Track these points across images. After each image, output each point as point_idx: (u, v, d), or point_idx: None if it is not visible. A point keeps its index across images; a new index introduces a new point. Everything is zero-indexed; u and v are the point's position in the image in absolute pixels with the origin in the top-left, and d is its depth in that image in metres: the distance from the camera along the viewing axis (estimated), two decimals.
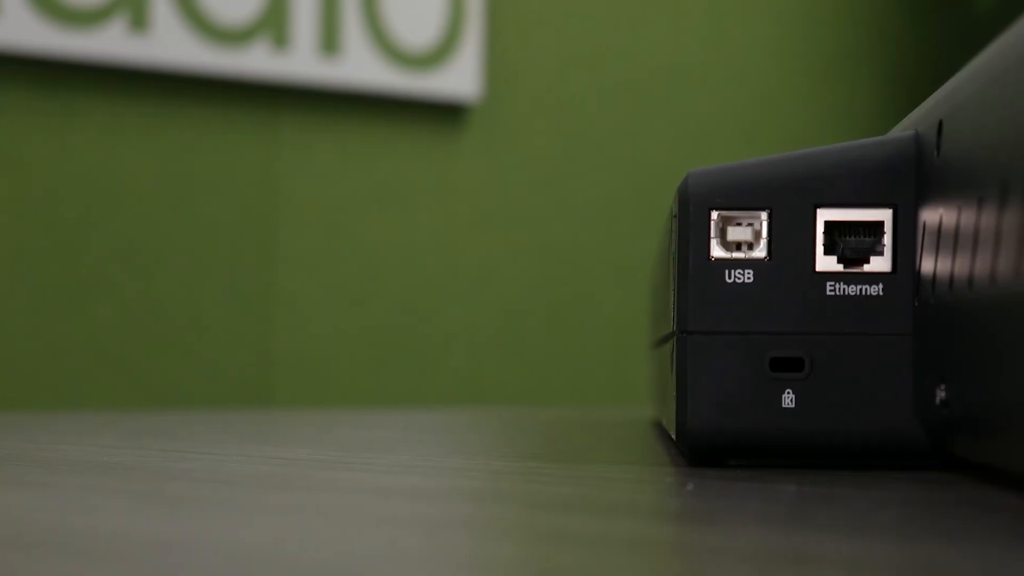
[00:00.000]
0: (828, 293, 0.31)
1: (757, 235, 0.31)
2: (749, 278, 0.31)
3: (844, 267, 0.31)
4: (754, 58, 1.53)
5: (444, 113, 1.35)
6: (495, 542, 0.19)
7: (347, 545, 0.18)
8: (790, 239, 0.31)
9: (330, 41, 1.27)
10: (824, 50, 1.57)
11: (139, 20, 1.20)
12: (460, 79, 1.33)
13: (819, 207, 0.31)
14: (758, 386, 0.31)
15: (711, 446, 0.31)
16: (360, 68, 1.29)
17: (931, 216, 0.29)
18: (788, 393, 0.31)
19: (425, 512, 0.22)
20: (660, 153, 1.46)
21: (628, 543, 0.19)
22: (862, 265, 0.30)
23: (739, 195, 0.31)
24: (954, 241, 0.27)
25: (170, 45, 1.21)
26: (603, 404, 1.35)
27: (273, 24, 1.25)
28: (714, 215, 0.31)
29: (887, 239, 0.30)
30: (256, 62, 1.24)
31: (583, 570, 0.16)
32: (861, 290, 0.30)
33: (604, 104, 1.44)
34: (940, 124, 0.28)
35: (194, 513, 0.22)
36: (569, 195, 1.42)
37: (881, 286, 0.30)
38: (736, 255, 0.31)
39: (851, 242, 0.30)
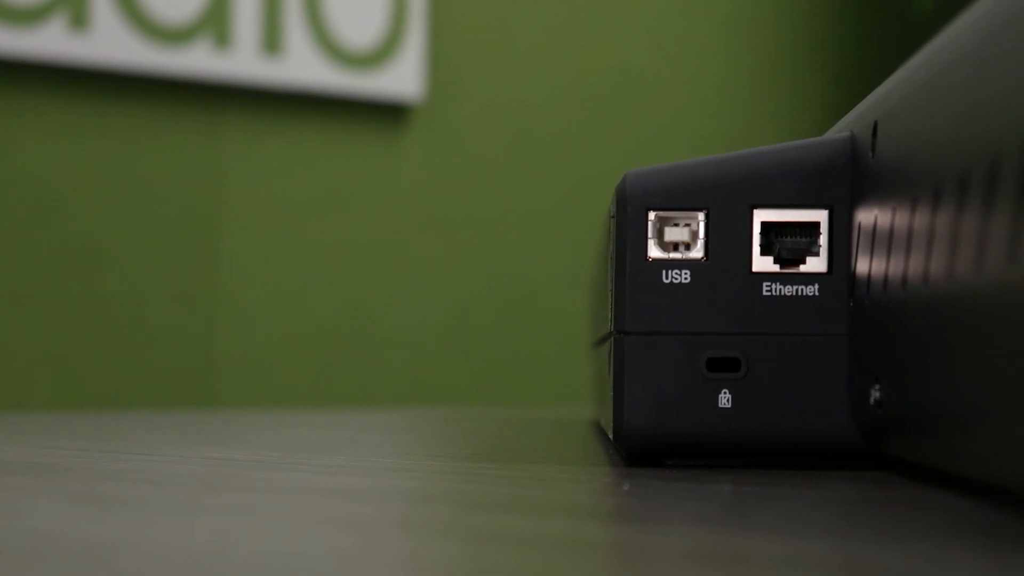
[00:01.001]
0: (764, 293, 0.31)
1: (694, 235, 0.31)
2: (686, 278, 0.31)
3: (780, 267, 0.31)
4: (698, 59, 1.53)
5: (387, 113, 1.35)
6: (429, 542, 0.19)
7: (282, 546, 0.18)
8: (727, 240, 0.31)
9: (272, 41, 1.27)
10: (767, 51, 1.57)
11: (79, 19, 1.19)
12: (403, 79, 1.33)
13: (756, 208, 0.31)
14: (695, 386, 0.31)
15: (648, 446, 0.31)
16: (302, 68, 1.28)
17: (866, 217, 0.29)
18: (725, 393, 0.31)
19: (361, 512, 0.22)
20: (605, 153, 1.46)
21: (562, 543, 0.19)
22: (798, 265, 0.31)
23: (676, 196, 0.31)
24: (888, 242, 0.27)
25: (111, 44, 1.20)
26: (548, 404, 1.35)
27: (214, 23, 1.24)
28: (651, 215, 0.31)
29: (823, 240, 0.31)
30: (197, 62, 1.24)
31: (517, 570, 0.16)
32: (797, 290, 0.31)
33: (548, 104, 1.44)
34: (875, 125, 0.29)
35: (128, 514, 0.22)
36: (514, 195, 1.42)
37: (817, 286, 0.31)
38: (673, 255, 0.31)
39: (787, 243, 0.31)
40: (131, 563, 0.17)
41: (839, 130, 0.32)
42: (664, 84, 1.51)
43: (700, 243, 0.31)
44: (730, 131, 1.54)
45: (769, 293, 0.31)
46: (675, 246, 0.31)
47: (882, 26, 1.62)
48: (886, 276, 0.27)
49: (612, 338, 0.32)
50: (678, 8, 1.52)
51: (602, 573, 0.16)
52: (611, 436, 0.32)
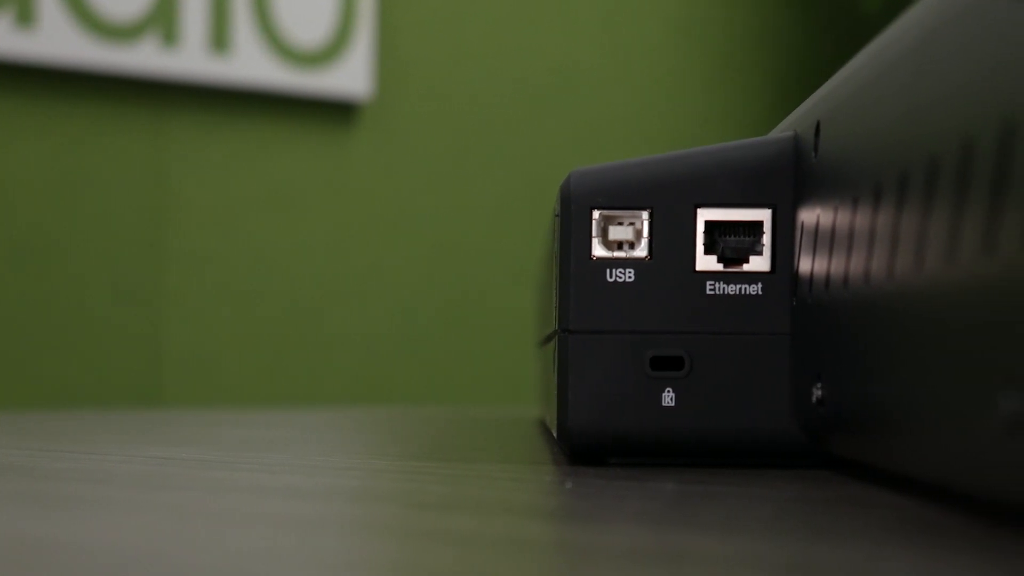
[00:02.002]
0: (708, 292, 0.31)
1: (638, 234, 0.31)
2: (630, 277, 0.31)
3: (724, 266, 0.31)
4: (646, 58, 1.54)
5: (335, 111, 1.35)
6: (370, 541, 0.19)
7: (221, 545, 0.18)
8: (671, 238, 0.31)
9: (219, 38, 1.26)
10: (715, 50, 1.58)
11: (25, 15, 1.18)
12: (351, 77, 1.33)
13: (699, 207, 0.31)
14: (638, 385, 0.31)
15: (591, 444, 0.31)
16: (250, 66, 1.28)
17: (809, 216, 0.29)
18: (668, 392, 0.31)
19: (301, 511, 0.22)
20: (553, 152, 1.46)
21: (503, 542, 0.19)
22: (741, 265, 0.31)
23: (620, 194, 0.31)
24: (830, 241, 0.27)
25: (57, 41, 1.20)
26: (496, 403, 1.35)
27: (162, 21, 1.24)
28: (595, 214, 0.31)
29: (766, 239, 0.31)
30: (145, 59, 1.23)
31: (456, 569, 0.16)
32: (740, 289, 0.31)
33: (497, 103, 1.44)
34: (818, 125, 0.29)
35: (68, 513, 0.22)
36: (462, 193, 1.42)
37: (760, 285, 0.31)
38: (617, 254, 0.31)
39: (731, 242, 0.31)
40: (69, 562, 0.17)
41: (783, 129, 0.32)
42: (612, 83, 1.51)
43: (644, 242, 0.31)
44: (678, 130, 1.54)
45: (712, 292, 0.31)
46: (619, 245, 0.31)
47: (830, 25, 1.63)
48: (828, 275, 0.27)
49: (556, 337, 0.32)
50: (626, 7, 1.52)
51: (542, 571, 0.16)
52: (555, 434, 0.32)
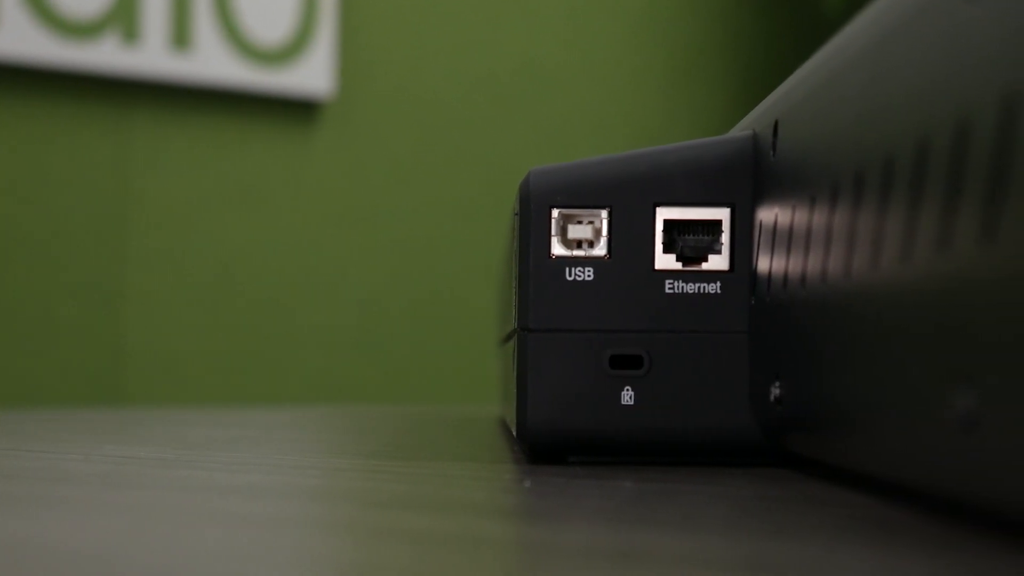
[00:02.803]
0: (667, 291, 0.31)
1: (597, 233, 0.31)
2: (589, 276, 0.31)
3: (683, 265, 0.31)
4: (610, 57, 1.54)
5: (297, 109, 1.34)
6: (325, 540, 0.19)
7: (177, 543, 0.18)
8: (630, 237, 0.31)
9: (181, 36, 1.26)
10: (678, 49, 1.58)
11: None
12: (313, 74, 1.33)
13: (658, 206, 0.31)
14: (597, 383, 0.31)
15: (551, 443, 0.31)
16: (212, 63, 1.28)
17: (767, 215, 0.29)
18: (627, 390, 0.31)
19: (259, 510, 0.22)
20: (516, 150, 1.47)
21: (459, 540, 0.19)
22: (700, 263, 0.31)
23: (580, 193, 0.31)
24: (788, 240, 0.27)
25: (17, 38, 1.19)
26: (460, 402, 1.35)
27: (122, 18, 1.23)
28: (555, 213, 0.31)
29: (725, 238, 0.31)
30: (105, 56, 1.23)
31: (412, 567, 0.16)
32: (699, 288, 0.31)
33: (460, 101, 1.44)
34: (776, 124, 0.29)
35: (25, 513, 0.22)
36: (424, 192, 1.42)
37: (719, 284, 0.31)
38: (576, 253, 0.31)
39: (690, 240, 0.31)
40: (23, 562, 0.17)
41: (742, 128, 0.32)
42: (575, 81, 1.51)
43: (603, 241, 0.31)
44: (641, 129, 1.54)
45: (672, 291, 0.31)
46: (578, 244, 0.31)
47: (793, 25, 1.63)
48: (786, 274, 0.27)
49: (516, 335, 0.32)
50: (590, 5, 1.53)
51: (498, 570, 0.16)
52: (515, 433, 0.32)
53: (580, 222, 0.31)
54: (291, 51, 1.32)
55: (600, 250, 0.31)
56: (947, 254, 0.18)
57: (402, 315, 1.41)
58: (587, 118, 1.52)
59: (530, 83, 1.48)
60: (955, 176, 0.18)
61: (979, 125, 0.17)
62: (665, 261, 0.31)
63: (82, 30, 1.22)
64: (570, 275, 0.31)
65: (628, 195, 0.31)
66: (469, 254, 1.43)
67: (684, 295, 0.31)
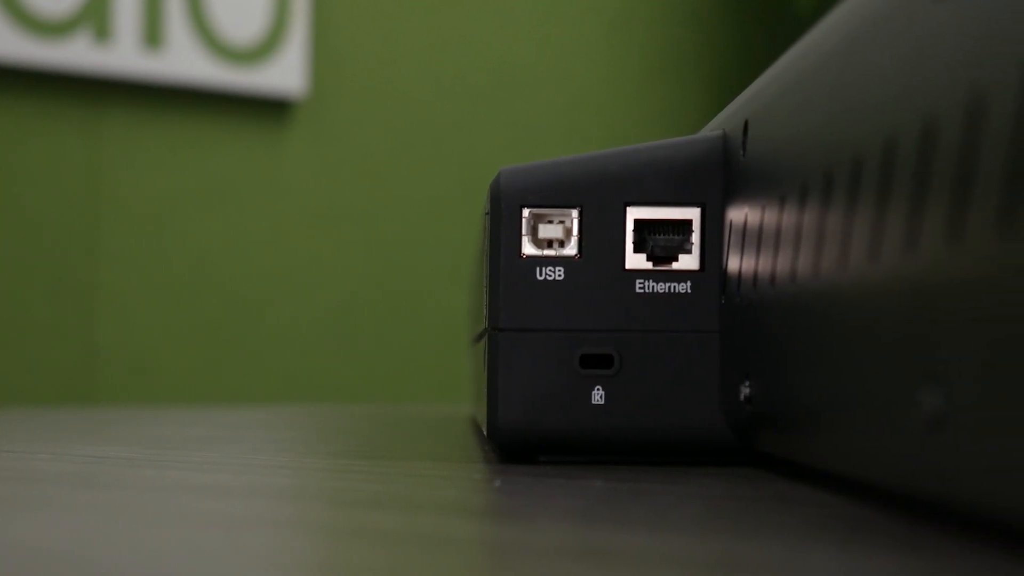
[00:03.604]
0: (637, 291, 0.31)
1: (568, 233, 0.31)
2: (560, 275, 0.31)
3: (653, 265, 0.31)
4: (582, 57, 1.54)
5: (270, 108, 1.34)
6: (294, 539, 0.19)
7: (144, 543, 0.18)
8: (600, 237, 0.31)
9: (153, 35, 1.26)
10: (652, 50, 1.58)
11: None
12: (285, 73, 1.32)
13: (629, 205, 0.31)
14: (568, 383, 0.31)
15: (521, 443, 0.31)
16: (184, 62, 1.27)
17: (737, 215, 0.29)
18: (598, 390, 0.31)
19: (228, 510, 0.22)
20: (489, 150, 1.46)
21: (428, 540, 0.19)
22: (671, 263, 0.31)
23: (550, 193, 0.31)
24: (758, 240, 0.27)
25: None
26: (433, 401, 1.35)
27: (94, 16, 1.23)
28: (525, 212, 0.31)
29: (695, 237, 0.31)
30: (77, 55, 1.22)
31: (380, 567, 0.16)
32: (670, 288, 0.31)
33: (433, 100, 1.44)
34: (746, 124, 0.29)
35: None
36: (397, 191, 1.42)
37: (689, 284, 0.31)
38: (547, 252, 0.31)
39: (660, 240, 0.31)
40: None
41: (713, 128, 0.32)
42: (548, 81, 1.51)
43: (574, 240, 0.31)
44: (614, 129, 1.54)
45: (642, 290, 0.31)
46: (549, 243, 0.31)
47: (765, 25, 1.64)
48: (756, 274, 0.27)
49: (487, 335, 0.32)
50: (563, 6, 1.53)
51: (466, 569, 0.16)
52: (485, 433, 0.32)
53: (551, 222, 0.31)
54: (263, 50, 1.31)
55: (571, 250, 0.31)
56: (914, 254, 0.18)
57: (375, 314, 1.40)
58: (560, 118, 1.52)
59: (503, 83, 1.48)
60: (922, 177, 0.18)
61: (946, 125, 0.18)
62: (636, 261, 0.31)
63: (54, 28, 1.21)
64: (541, 275, 0.31)
65: (599, 195, 0.31)
66: (442, 253, 1.43)
67: (654, 295, 0.31)
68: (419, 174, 1.43)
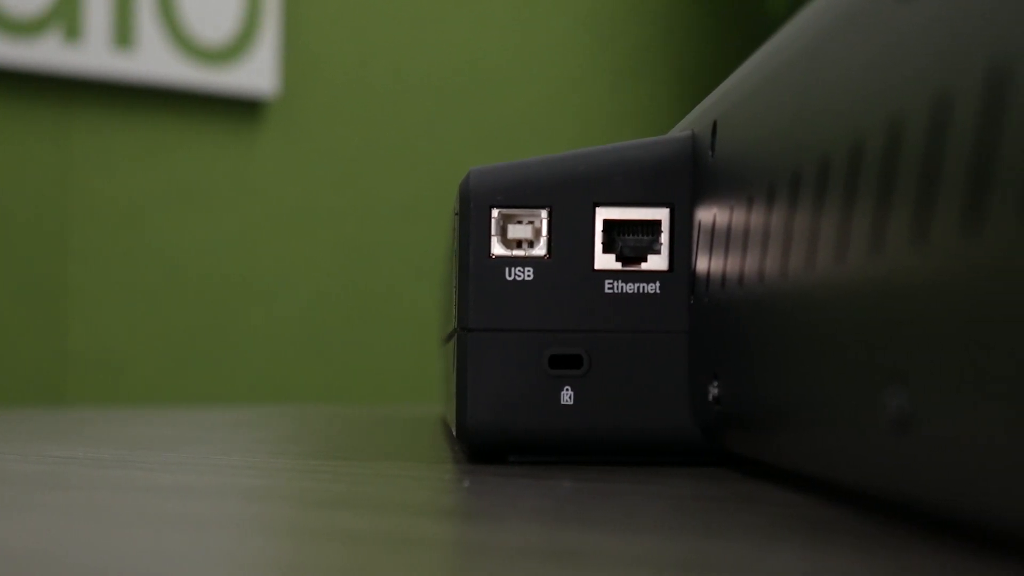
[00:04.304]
0: (607, 291, 0.31)
1: (537, 233, 0.31)
2: (529, 276, 0.31)
3: (622, 265, 0.31)
4: (555, 57, 1.54)
5: (241, 108, 1.34)
6: (259, 540, 0.19)
7: (110, 544, 0.18)
8: (569, 237, 0.31)
9: (123, 34, 1.25)
10: (624, 50, 1.58)
11: None
12: (257, 74, 1.32)
13: (598, 206, 0.31)
14: (537, 383, 0.31)
15: (490, 443, 0.31)
16: (155, 62, 1.27)
17: (706, 215, 0.29)
18: (567, 390, 0.31)
19: (195, 510, 0.22)
20: (460, 150, 1.46)
21: (396, 540, 0.19)
22: (640, 263, 0.31)
23: (519, 193, 0.31)
24: (726, 240, 0.27)
25: None
26: (404, 401, 1.35)
27: (64, 16, 1.22)
28: (495, 213, 0.31)
29: (664, 238, 0.31)
30: (47, 54, 1.22)
31: (347, 567, 0.16)
32: (639, 288, 0.31)
33: (405, 101, 1.44)
34: (715, 125, 0.29)
35: None
36: (369, 192, 1.41)
37: (658, 284, 0.31)
38: (516, 253, 0.31)
39: (629, 240, 0.31)
40: None
41: (682, 128, 0.32)
42: (520, 81, 1.51)
43: (543, 241, 0.31)
44: (586, 130, 1.54)
45: (611, 291, 0.31)
46: (518, 243, 0.31)
47: (738, 25, 1.64)
48: (724, 274, 0.27)
49: (456, 335, 0.32)
50: (534, 6, 1.53)
51: (434, 570, 0.16)
52: (454, 433, 0.32)
53: (520, 222, 0.31)
54: (235, 50, 1.31)
55: (540, 250, 0.31)
56: (880, 255, 0.18)
57: (347, 315, 1.40)
58: (532, 119, 1.52)
59: (475, 84, 1.48)
60: (888, 178, 0.18)
61: (912, 127, 0.18)
62: (605, 261, 0.31)
63: (24, 28, 1.21)
64: (510, 275, 0.31)
65: (568, 195, 0.31)
66: (413, 254, 1.43)
67: (624, 295, 0.31)
68: (391, 174, 1.43)
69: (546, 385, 0.31)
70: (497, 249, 0.31)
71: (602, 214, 0.31)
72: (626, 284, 0.31)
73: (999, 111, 0.15)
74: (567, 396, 0.31)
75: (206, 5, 1.30)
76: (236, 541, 0.19)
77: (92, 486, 0.26)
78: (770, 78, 0.25)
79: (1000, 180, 0.15)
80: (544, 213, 0.31)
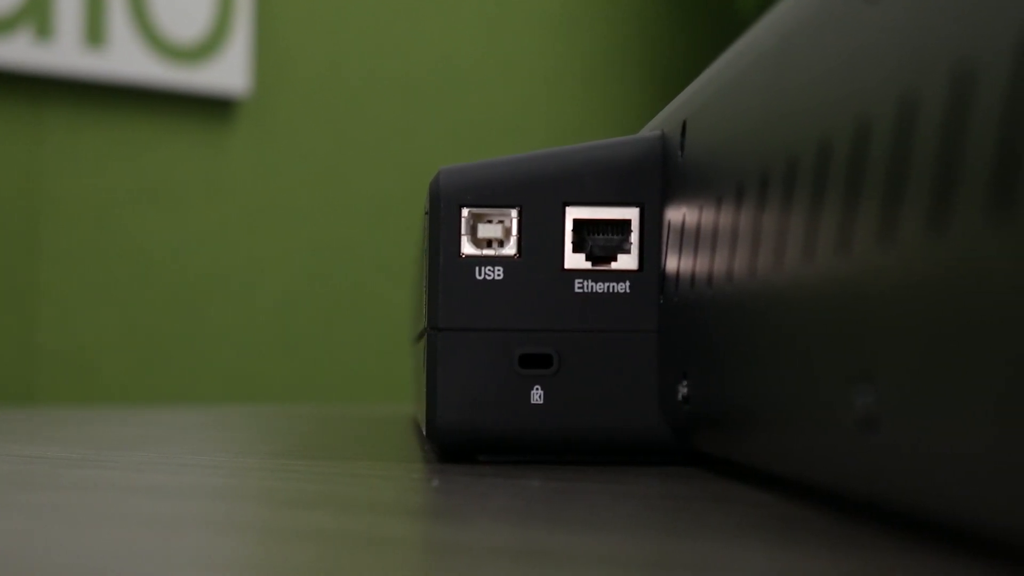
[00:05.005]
0: (576, 290, 0.31)
1: (507, 232, 0.31)
2: (499, 275, 0.31)
3: (592, 265, 0.31)
4: (527, 57, 1.54)
5: (213, 107, 1.34)
6: (227, 539, 0.19)
7: (78, 544, 0.18)
8: (539, 237, 0.31)
9: (95, 32, 1.25)
10: (596, 50, 1.59)
11: None
12: (228, 72, 1.32)
13: (568, 205, 0.31)
14: (507, 382, 0.31)
15: (460, 442, 0.31)
16: (126, 60, 1.27)
17: (675, 215, 0.29)
18: (537, 389, 0.31)
19: (164, 510, 0.22)
20: (433, 150, 1.46)
21: (363, 539, 0.19)
22: (610, 263, 0.31)
23: (489, 192, 0.31)
24: (696, 240, 0.27)
25: None
26: (376, 401, 1.35)
27: (35, 14, 1.22)
28: (465, 212, 0.31)
29: (634, 237, 0.31)
30: (18, 52, 1.21)
31: (314, 567, 0.16)
32: (609, 287, 0.31)
33: (377, 100, 1.44)
34: (684, 124, 0.29)
35: None
36: (340, 191, 1.41)
37: (628, 284, 0.31)
38: (486, 252, 0.31)
39: (599, 240, 0.31)
40: None
41: (652, 128, 0.32)
42: (492, 81, 1.51)
43: (513, 240, 0.31)
44: (558, 130, 1.54)
45: (581, 290, 0.31)
46: (488, 243, 0.31)
47: (709, 25, 1.64)
48: (693, 273, 0.27)
49: (426, 334, 0.32)
50: (506, 7, 1.53)
51: (401, 569, 0.16)
52: (424, 432, 0.32)
53: (490, 221, 0.31)
54: (207, 48, 1.31)
55: (510, 249, 0.31)
56: (848, 255, 0.18)
57: (318, 314, 1.40)
58: (504, 119, 1.52)
59: (447, 83, 1.48)
60: (855, 178, 0.18)
61: (877, 127, 0.18)
62: (575, 260, 0.31)
63: None
64: (480, 274, 0.31)
65: (538, 195, 0.31)
66: (385, 253, 1.43)
67: (593, 294, 0.31)
68: (362, 173, 1.43)
69: (516, 384, 0.31)
70: (467, 248, 0.31)
71: (572, 213, 0.31)
72: (596, 284, 0.31)
73: (965, 112, 0.15)
74: (537, 395, 0.31)
75: (178, 4, 1.29)
76: (205, 541, 0.19)
77: (60, 486, 0.26)
78: (739, 78, 0.25)
79: (965, 180, 0.15)
80: (514, 213, 0.31)
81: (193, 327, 1.33)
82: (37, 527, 0.20)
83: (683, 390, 0.28)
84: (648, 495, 0.25)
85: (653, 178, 0.31)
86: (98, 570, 0.16)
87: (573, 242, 0.31)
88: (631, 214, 0.31)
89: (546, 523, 0.21)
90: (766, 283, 0.22)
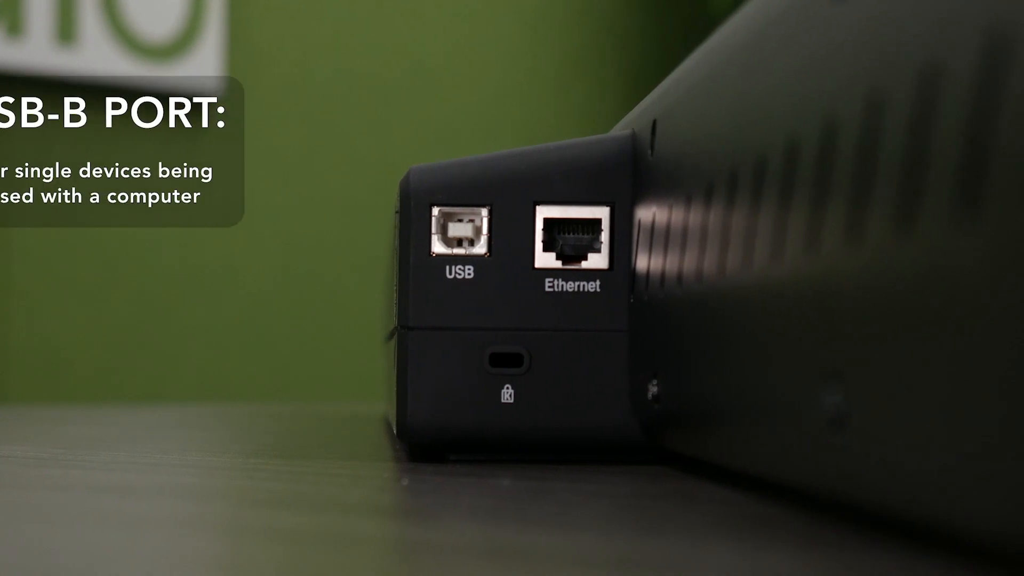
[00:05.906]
0: (547, 290, 0.31)
1: (478, 231, 0.31)
2: (470, 274, 0.31)
3: (563, 264, 0.31)
4: (499, 57, 1.54)
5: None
6: (195, 539, 0.19)
7: (45, 544, 0.18)
8: (510, 236, 0.31)
9: (66, 30, 1.24)
10: (569, 50, 1.59)
11: None
12: (201, 70, 1.32)
13: (538, 204, 0.31)
14: (478, 381, 0.31)
15: (431, 441, 0.31)
16: (98, 58, 1.26)
17: (646, 214, 0.29)
18: (507, 388, 0.31)
19: (131, 509, 0.22)
20: (405, 149, 1.46)
21: (331, 538, 0.19)
22: (580, 262, 0.31)
23: (460, 191, 0.31)
24: (666, 239, 0.27)
25: None
26: (349, 400, 1.35)
27: (5, 11, 1.22)
28: (435, 211, 0.31)
29: (604, 236, 0.31)
30: None
31: (282, 566, 0.16)
32: (579, 287, 0.31)
33: (348, 98, 1.44)
34: (654, 123, 0.29)
35: None
36: (312, 189, 1.41)
37: (598, 283, 0.31)
38: (457, 251, 0.31)
39: (569, 239, 0.31)
40: None
41: (623, 127, 0.32)
42: (464, 81, 1.51)
43: (483, 239, 0.31)
44: (531, 130, 1.54)
45: (552, 289, 0.31)
46: (459, 242, 0.31)
47: (682, 24, 1.64)
48: (663, 273, 0.27)
49: (397, 333, 0.32)
50: (479, 6, 1.53)
51: (370, 568, 0.16)
52: (395, 431, 0.32)
53: (460, 220, 0.31)
54: (178, 46, 1.30)
55: (480, 248, 0.31)
56: (816, 254, 0.18)
57: (289, 313, 1.40)
58: (476, 118, 1.52)
59: (419, 83, 1.48)
60: (823, 177, 0.18)
61: (845, 127, 0.18)
62: (545, 259, 0.31)
63: None
64: (450, 273, 0.31)
65: (508, 193, 0.31)
66: (355, 252, 1.42)
67: (564, 293, 0.31)
68: (333, 172, 1.42)
69: (487, 383, 0.31)
70: (437, 247, 0.31)
71: (542, 212, 0.31)
72: (566, 283, 0.31)
73: (931, 111, 0.15)
74: (508, 394, 0.31)
75: (150, 1, 1.29)
76: (174, 540, 0.19)
77: (28, 485, 0.26)
78: (708, 77, 0.25)
79: (932, 180, 0.15)
80: (485, 211, 0.31)
81: (165, 326, 1.33)
82: (5, 526, 0.20)
83: (653, 389, 0.28)
84: (618, 494, 0.25)
85: (623, 177, 0.31)
86: (67, 569, 0.16)
87: (543, 241, 0.31)
88: (601, 213, 0.31)
89: (516, 522, 0.21)
90: (735, 282, 0.22)
